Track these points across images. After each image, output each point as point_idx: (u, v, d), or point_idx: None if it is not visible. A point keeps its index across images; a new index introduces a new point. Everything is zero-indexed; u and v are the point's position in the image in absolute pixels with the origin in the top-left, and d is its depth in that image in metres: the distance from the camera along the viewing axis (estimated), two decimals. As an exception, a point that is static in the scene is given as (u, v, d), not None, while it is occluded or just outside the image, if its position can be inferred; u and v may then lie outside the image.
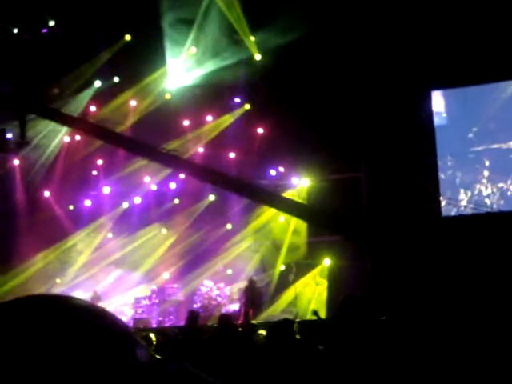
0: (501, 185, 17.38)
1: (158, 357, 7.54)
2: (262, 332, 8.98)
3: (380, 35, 16.94)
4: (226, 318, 9.64)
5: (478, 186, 17.60)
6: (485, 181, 17.57)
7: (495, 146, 17.55)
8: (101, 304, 18.33)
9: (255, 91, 19.21)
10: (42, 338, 0.88)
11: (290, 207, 15.16)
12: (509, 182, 17.30)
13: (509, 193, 17.30)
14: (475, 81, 17.48)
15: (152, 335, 8.23)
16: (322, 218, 15.33)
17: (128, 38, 19.34)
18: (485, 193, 17.50)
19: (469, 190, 17.66)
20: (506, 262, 14.80)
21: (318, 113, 17.95)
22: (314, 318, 11.40)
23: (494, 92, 17.64)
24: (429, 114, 18.01)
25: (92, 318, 0.93)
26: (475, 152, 17.78)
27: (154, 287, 19.00)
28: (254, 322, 13.41)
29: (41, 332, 0.88)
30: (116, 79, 19.99)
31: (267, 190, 17.11)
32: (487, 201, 17.45)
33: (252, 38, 18.75)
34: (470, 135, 17.79)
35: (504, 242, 15.08)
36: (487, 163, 17.55)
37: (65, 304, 0.94)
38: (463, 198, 17.68)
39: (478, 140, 17.75)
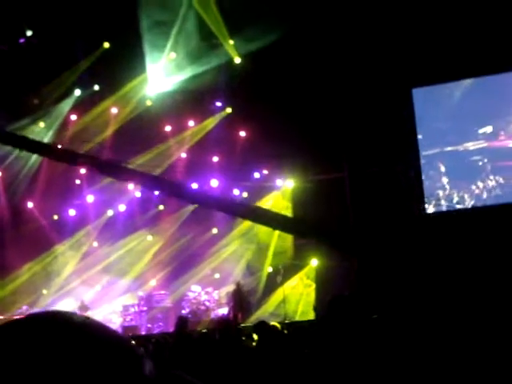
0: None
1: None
2: (254, 336, 8.99)
3: (359, 35, 16.99)
4: (225, 322, 9.64)
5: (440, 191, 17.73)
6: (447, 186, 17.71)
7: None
8: (89, 313, 18.25)
9: (236, 95, 19.21)
10: (52, 357, 0.87)
11: (271, 220, 15.19)
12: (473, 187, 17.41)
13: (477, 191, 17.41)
14: (454, 77, 17.59)
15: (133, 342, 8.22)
16: (305, 229, 15.38)
17: (107, 45, 19.28)
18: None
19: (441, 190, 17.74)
20: (491, 259, 14.89)
21: (300, 114, 17.98)
22: (304, 318, 11.42)
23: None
24: (410, 112, 18.09)
25: (98, 334, 0.92)
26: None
27: (142, 294, 18.95)
28: (242, 325, 13.40)
29: (52, 351, 0.88)
30: (96, 87, 19.93)
31: (244, 203, 17.01)
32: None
33: (231, 42, 18.75)
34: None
35: (488, 238, 15.17)
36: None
37: (70, 322, 0.94)
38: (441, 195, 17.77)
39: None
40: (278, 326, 9.38)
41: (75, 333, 0.91)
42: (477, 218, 16.53)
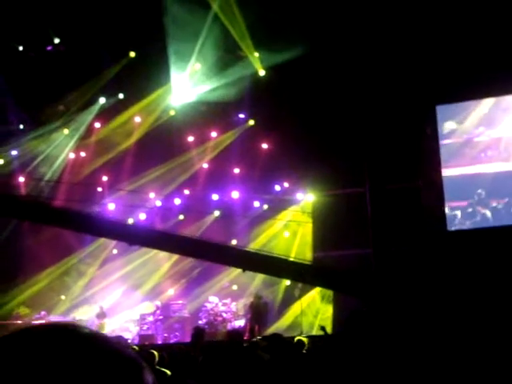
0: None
1: (165, 370, 7.51)
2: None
3: (384, 51, 16.98)
4: (236, 334, 9.61)
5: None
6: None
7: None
8: (106, 320, 18.32)
9: (259, 107, 19.25)
10: (54, 368, 0.90)
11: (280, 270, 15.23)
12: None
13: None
14: (478, 96, 17.51)
15: (155, 352, 8.21)
16: (324, 279, 15.41)
17: (132, 54, 19.44)
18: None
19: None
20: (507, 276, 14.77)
21: (323, 128, 17.97)
22: (321, 333, 11.37)
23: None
24: (434, 129, 18.00)
25: (101, 346, 0.95)
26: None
27: (159, 303, 18.96)
28: (259, 337, 13.35)
29: (54, 362, 0.90)
30: (121, 96, 20.08)
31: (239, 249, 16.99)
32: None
33: (256, 54, 18.82)
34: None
35: (504, 257, 15.05)
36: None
37: (75, 333, 0.96)
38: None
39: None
40: (305, 340, 9.35)
41: (80, 345, 0.93)
42: (499, 236, 16.39)
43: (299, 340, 8.73)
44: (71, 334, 0.96)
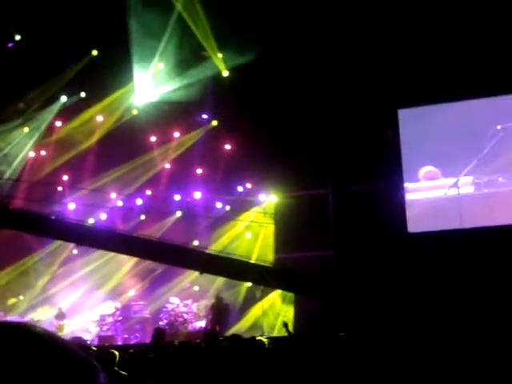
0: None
1: (123, 373, 7.45)
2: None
3: (347, 52, 17.09)
4: (211, 334, 9.62)
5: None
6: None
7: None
8: (65, 321, 18.11)
9: (222, 108, 19.24)
10: (4, 367, 0.89)
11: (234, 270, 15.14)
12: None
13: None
14: (440, 99, 17.71)
15: (116, 352, 8.14)
16: (286, 282, 15.40)
17: (95, 52, 19.25)
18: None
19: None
20: (472, 278, 14.98)
21: (286, 129, 18.02)
22: (283, 331, 11.36)
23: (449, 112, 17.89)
24: (395, 132, 18.17)
25: (54, 346, 0.94)
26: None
27: (118, 304, 18.82)
28: (220, 338, 13.32)
29: (4, 361, 0.89)
30: (83, 94, 19.89)
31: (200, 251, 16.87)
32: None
33: (219, 55, 18.80)
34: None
35: (471, 259, 15.25)
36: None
37: (27, 333, 0.95)
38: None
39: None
40: (265, 340, 9.34)
41: (32, 344, 0.92)
42: (460, 239, 16.60)
43: (259, 340, 8.72)
44: (23, 333, 0.95)
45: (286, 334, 11.12)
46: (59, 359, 0.92)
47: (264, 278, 15.28)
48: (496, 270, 14.91)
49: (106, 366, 7.56)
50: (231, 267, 15.61)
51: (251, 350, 7.41)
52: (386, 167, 17.81)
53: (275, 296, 18.55)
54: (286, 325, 11.12)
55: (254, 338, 8.82)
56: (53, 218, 16.57)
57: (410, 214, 17.84)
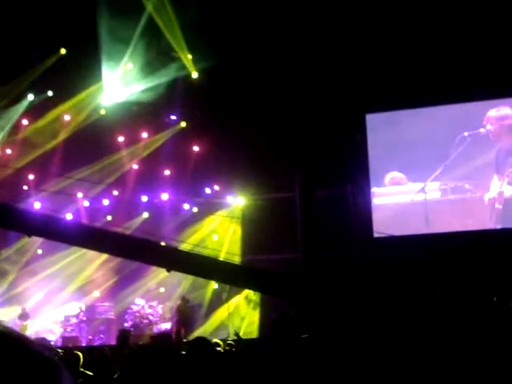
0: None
1: (89, 373, 7.40)
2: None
3: (318, 56, 17.18)
4: (163, 336, 9.53)
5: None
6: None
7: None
8: (29, 322, 17.91)
9: (191, 109, 19.20)
10: None
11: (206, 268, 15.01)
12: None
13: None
14: (408, 105, 17.89)
15: (79, 353, 8.08)
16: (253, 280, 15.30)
17: (63, 51, 19.08)
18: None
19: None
20: (434, 283, 15.14)
21: (254, 132, 18.05)
22: (249, 334, 11.43)
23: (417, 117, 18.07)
24: (363, 137, 18.31)
25: (17, 344, 0.93)
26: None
27: (82, 305, 18.66)
28: (184, 340, 13.30)
29: None
30: (50, 93, 19.67)
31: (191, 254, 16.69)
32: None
33: (189, 56, 18.75)
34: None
35: (437, 263, 15.42)
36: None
37: None
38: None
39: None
40: (221, 343, 9.33)
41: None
42: (425, 243, 16.78)
43: (216, 342, 8.70)
44: None
45: (252, 336, 11.17)
46: (22, 357, 0.91)
47: (233, 276, 15.18)
48: (461, 274, 15.09)
49: (71, 367, 7.49)
50: (201, 265, 15.48)
51: (214, 353, 7.39)
52: (353, 172, 17.94)
53: (241, 299, 18.56)
54: (236, 334, 11.12)
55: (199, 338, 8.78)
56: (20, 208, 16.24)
57: (376, 218, 18.00)
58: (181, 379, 6.87)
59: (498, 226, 17.19)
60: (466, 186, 17.33)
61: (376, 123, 18.43)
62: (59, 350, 9.84)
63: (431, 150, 17.61)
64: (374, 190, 18.10)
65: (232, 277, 14.97)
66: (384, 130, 18.29)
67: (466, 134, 17.30)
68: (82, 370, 7.46)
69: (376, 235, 17.85)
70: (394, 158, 18.15)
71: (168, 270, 15.30)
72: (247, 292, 18.51)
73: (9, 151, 20.05)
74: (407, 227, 17.78)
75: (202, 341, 8.40)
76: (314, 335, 6.47)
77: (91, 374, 7.30)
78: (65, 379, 0.95)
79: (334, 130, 17.58)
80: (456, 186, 17.41)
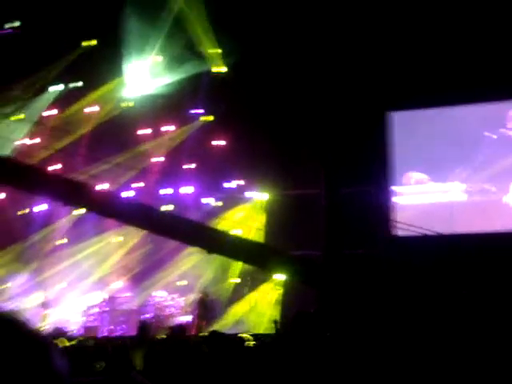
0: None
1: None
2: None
3: (342, 52, 17.13)
4: (180, 329, 9.59)
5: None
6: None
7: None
8: (51, 310, 18.08)
9: (217, 103, 19.22)
10: None
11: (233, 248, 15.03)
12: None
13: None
14: (431, 104, 17.77)
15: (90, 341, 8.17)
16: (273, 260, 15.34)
17: (92, 42, 19.20)
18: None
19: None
20: (457, 283, 15.04)
21: (280, 128, 18.05)
22: (268, 329, 11.44)
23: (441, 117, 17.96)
24: (385, 135, 18.23)
25: (6, 326, 0.95)
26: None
27: (105, 295, 18.78)
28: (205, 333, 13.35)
29: None
30: (78, 84, 19.80)
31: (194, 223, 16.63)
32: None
33: (218, 51, 18.77)
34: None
35: (455, 264, 15.32)
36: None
37: None
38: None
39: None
40: (249, 337, 9.37)
41: None
42: (448, 244, 16.68)
43: (240, 337, 8.74)
44: None
45: (270, 332, 11.20)
46: (12, 338, 0.93)
47: (270, 261, 15.22)
48: (484, 276, 14.98)
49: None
50: (241, 249, 15.50)
51: (233, 347, 7.43)
52: (376, 170, 17.87)
53: (262, 294, 18.58)
54: (276, 322, 11.17)
55: (236, 335, 8.83)
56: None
57: (399, 217, 17.91)
58: (199, 373, 6.91)
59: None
60: (493, 188, 17.21)
61: (399, 121, 18.34)
62: (80, 339, 9.94)
63: (454, 150, 17.48)
64: (397, 188, 18.03)
65: (268, 262, 14.96)
66: (407, 128, 18.20)
67: (486, 133, 17.17)
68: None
69: (399, 234, 17.78)
70: (417, 157, 18.06)
71: (209, 252, 15.30)
72: (268, 287, 18.54)
73: (37, 140, 20.21)
74: (430, 227, 17.67)
75: (219, 335, 8.44)
76: (334, 333, 6.48)
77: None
78: (56, 360, 0.96)
79: (359, 127, 17.52)
80: (482, 189, 17.29)
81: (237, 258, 16.38)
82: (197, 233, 15.17)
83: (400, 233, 17.73)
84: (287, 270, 15.36)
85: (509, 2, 16.02)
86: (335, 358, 6.15)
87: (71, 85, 19.81)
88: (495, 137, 17.25)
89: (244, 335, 9.11)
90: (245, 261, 16.50)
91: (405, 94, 17.19)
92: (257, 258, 15.26)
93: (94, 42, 19.15)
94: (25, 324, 0.98)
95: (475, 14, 16.07)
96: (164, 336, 11.05)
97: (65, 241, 19.97)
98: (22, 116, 19.96)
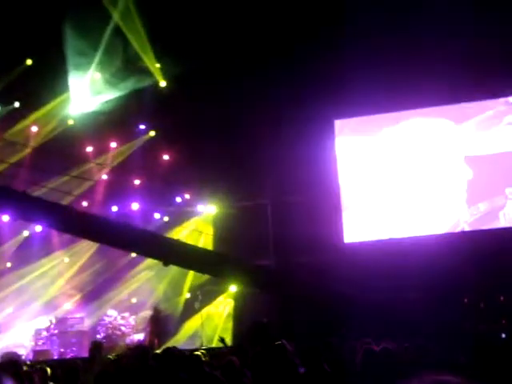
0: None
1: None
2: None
3: (286, 62, 17.27)
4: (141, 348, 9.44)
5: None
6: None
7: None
8: (-1, 336, 17.66)
9: (160, 118, 19.14)
10: None
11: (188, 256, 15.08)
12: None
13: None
14: (376, 111, 18.04)
15: (47, 368, 7.98)
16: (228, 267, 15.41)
17: (29, 62, 18.90)
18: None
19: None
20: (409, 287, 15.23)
21: (224, 140, 18.07)
22: (221, 345, 11.35)
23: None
24: (331, 143, 18.42)
25: None
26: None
27: (53, 318, 18.42)
28: (158, 351, 13.19)
29: None
30: (16, 104, 19.45)
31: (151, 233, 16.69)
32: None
33: (157, 65, 18.74)
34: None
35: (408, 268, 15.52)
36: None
37: None
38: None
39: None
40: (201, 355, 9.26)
41: None
42: (395, 248, 16.90)
43: (196, 355, 8.63)
44: None
45: (223, 346, 11.13)
46: None
47: (225, 268, 15.25)
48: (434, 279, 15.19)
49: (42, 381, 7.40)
50: (196, 257, 15.51)
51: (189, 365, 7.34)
52: (323, 177, 18.02)
53: (213, 308, 18.53)
54: (222, 340, 11.10)
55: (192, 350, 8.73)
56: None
57: (346, 223, 18.09)
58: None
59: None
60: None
61: (345, 128, 18.57)
62: (29, 364, 9.71)
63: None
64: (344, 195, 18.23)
65: (224, 269, 15.00)
66: (352, 135, 18.44)
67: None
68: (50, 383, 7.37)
69: (346, 241, 17.96)
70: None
71: (165, 264, 15.26)
72: (220, 301, 18.51)
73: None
74: (378, 232, 17.91)
75: (174, 352, 8.34)
76: (287, 342, 6.47)
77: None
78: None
79: (304, 135, 17.65)
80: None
81: (194, 267, 16.42)
82: (154, 242, 15.20)
83: (350, 239, 17.91)
84: (243, 278, 15.44)
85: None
86: (289, 366, 6.15)
87: (11, 105, 19.43)
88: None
89: (198, 352, 8.99)
90: (201, 270, 16.53)
91: (350, 102, 17.35)
92: (213, 266, 15.32)
93: (29, 62, 18.84)
94: None
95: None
96: (116, 356, 10.86)
97: (10, 264, 19.54)
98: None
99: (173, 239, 16.82)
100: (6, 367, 6.28)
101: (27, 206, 14.69)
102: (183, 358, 7.79)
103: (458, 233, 17.33)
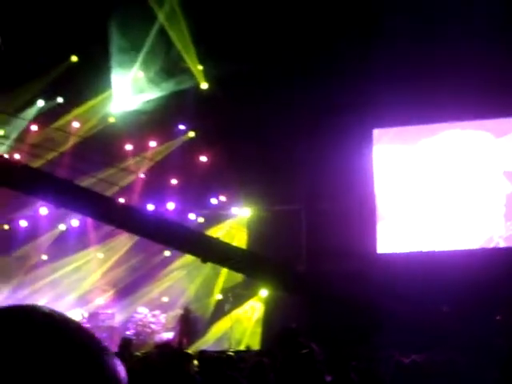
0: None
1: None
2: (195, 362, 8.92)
3: (326, 71, 17.26)
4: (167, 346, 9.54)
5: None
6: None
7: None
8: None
9: (200, 119, 19.26)
10: (11, 353, 0.85)
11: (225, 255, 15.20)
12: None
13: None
14: (415, 121, 17.95)
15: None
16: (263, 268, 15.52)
17: (74, 58, 19.19)
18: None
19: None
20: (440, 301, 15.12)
21: (262, 144, 18.11)
22: (250, 346, 11.43)
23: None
24: (368, 151, 18.36)
25: (63, 329, 0.91)
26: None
27: (85, 312, 18.64)
28: (188, 351, 13.28)
29: (10, 346, 0.86)
30: (60, 99, 19.75)
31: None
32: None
33: (199, 67, 18.87)
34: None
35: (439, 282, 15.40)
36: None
37: (33, 315, 0.92)
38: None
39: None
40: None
41: (38, 327, 0.88)
42: (428, 261, 16.79)
43: (228, 355, 8.71)
44: (28, 316, 0.91)
45: (253, 348, 11.19)
46: (67, 344, 0.88)
47: (263, 269, 15.45)
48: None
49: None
50: (237, 256, 15.70)
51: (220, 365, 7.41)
52: (359, 186, 17.97)
53: (243, 310, 18.57)
54: (248, 348, 11.16)
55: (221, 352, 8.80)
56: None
57: (381, 233, 18.01)
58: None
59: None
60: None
61: (383, 137, 18.51)
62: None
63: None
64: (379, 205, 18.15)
65: (261, 269, 15.17)
66: (390, 144, 18.37)
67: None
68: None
69: (380, 251, 17.87)
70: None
71: (203, 261, 15.47)
72: (250, 304, 18.54)
73: (17, 157, 20.07)
74: (411, 244, 17.80)
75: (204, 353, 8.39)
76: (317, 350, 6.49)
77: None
78: (112, 364, 0.91)
79: (340, 144, 17.63)
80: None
81: (230, 266, 16.57)
82: (194, 239, 15.41)
83: (383, 249, 17.83)
84: (277, 280, 15.56)
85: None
86: (320, 372, 6.17)
87: (54, 101, 19.74)
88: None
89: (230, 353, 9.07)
90: (238, 270, 16.67)
91: (389, 112, 17.29)
92: (250, 266, 15.46)
93: (74, 59, 19.13)
94: (70, 322, 0.93)
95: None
96: (145, 353, 10.98)
97: (46, 257, 19.82)
98: (1, 132, 19.83)
99: (212, 237, 16.98)
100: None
101: (71, 195, 14.93)
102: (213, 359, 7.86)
103: (493, 248, 17.15)
